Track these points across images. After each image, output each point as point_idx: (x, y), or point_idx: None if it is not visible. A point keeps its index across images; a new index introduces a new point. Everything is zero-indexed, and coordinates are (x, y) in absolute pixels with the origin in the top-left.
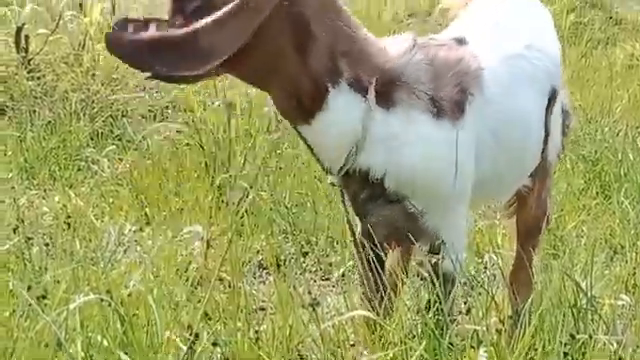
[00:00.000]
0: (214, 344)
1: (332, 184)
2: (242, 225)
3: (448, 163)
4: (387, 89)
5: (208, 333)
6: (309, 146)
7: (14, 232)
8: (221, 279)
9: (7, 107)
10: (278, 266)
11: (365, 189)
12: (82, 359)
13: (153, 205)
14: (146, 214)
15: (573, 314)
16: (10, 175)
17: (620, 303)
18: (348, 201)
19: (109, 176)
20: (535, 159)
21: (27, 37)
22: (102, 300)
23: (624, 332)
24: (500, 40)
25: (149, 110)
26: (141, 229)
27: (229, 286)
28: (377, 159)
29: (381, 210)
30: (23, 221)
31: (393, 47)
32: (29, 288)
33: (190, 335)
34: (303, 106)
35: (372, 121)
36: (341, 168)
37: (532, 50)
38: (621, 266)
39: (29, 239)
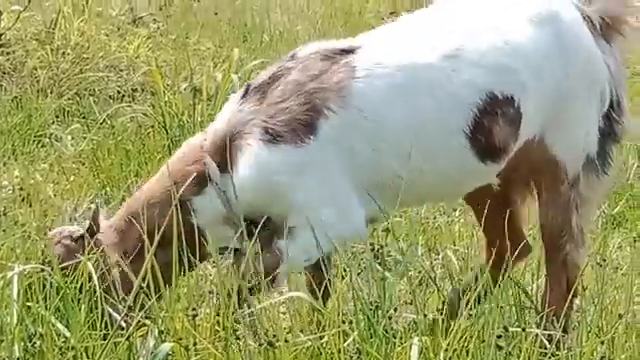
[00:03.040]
0: (147, 317)
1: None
2: None
3: (295, 182)
4: (225, 154)
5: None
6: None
7: None
8: None
9: None
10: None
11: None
12: (17, 328)
13: (113, 185)
14: (106, 193)
15: (517, 311)
16: None
17: None
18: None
19: (72, 154)
20: (461, 167)
21: None
22: (42, 270)
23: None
24: (415, 48)
25: (117, 91)
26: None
27: None
28: (242, 207)
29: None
30: None
31: (223, 110)
32: None
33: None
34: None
35: (227, 190)
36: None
37: (453, 60)
38: None
39: None
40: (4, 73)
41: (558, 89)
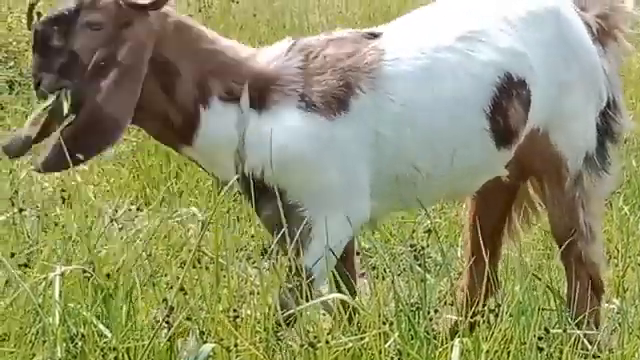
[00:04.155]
0: (188, 319)
1: (239, 192)
2: (240, 210)
3: (319, 157)
4: (261, 93)
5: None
6: (199, 164)
7: (12, 204)
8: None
9: (16, 82)
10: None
11: (255, 188)
12: (59, 328)
13: (153, 186)
14: (146, 194)
15: (558, 312)
16: None
17: (611, 307)
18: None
19: (112, 155)
20: (479, 152)
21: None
22: (84, 272)
23: (609, 334)
24: (432, 32)
25: None
26: (139, 209)
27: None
28: (255, 159)
29: (269, 206)
30: (17, 192)
31: (267, 52)
32: (12, 255)
33: (165, 308)
34: (179, 133)
35: (247, 126)
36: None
37: (469, 41)
38: (614, 270)
39: (21, 210)
40: None
41: (559, 81)
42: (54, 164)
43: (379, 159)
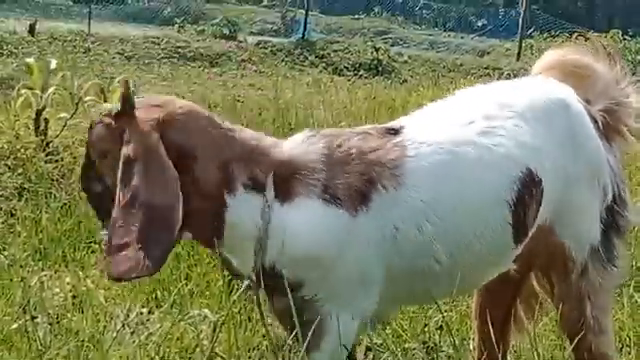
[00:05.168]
0: None
1: (249, 287)
2: (251, 309)
3: (339, 252)
4: (284, 183)
5: None
6: (221, 256)
7: (24, 312)
8: None
9: (24, 189)
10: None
11: (269, 280)
12: None
13: (164, 288)
14: (157, 297)
15: None
16: (24, 255)
17: None
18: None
19: None
20: (497, 247)
21: (47, 120)
22: None
23: None
24: (452, 126)
25: None
26: (150, 311)
27: None
28: (273, 251)
29: (283, 299)
30: (29, 301)
31: (290, 141)
32: None
33: None
34: (211, 225)
35: (270, 217)
36: (253, 269)
37: (489, 136)
38: (627, 358)
39: (34, 318)
40: (53, 180)
41: (567, 174)
42: (128, 270)
43: (395, 253)
